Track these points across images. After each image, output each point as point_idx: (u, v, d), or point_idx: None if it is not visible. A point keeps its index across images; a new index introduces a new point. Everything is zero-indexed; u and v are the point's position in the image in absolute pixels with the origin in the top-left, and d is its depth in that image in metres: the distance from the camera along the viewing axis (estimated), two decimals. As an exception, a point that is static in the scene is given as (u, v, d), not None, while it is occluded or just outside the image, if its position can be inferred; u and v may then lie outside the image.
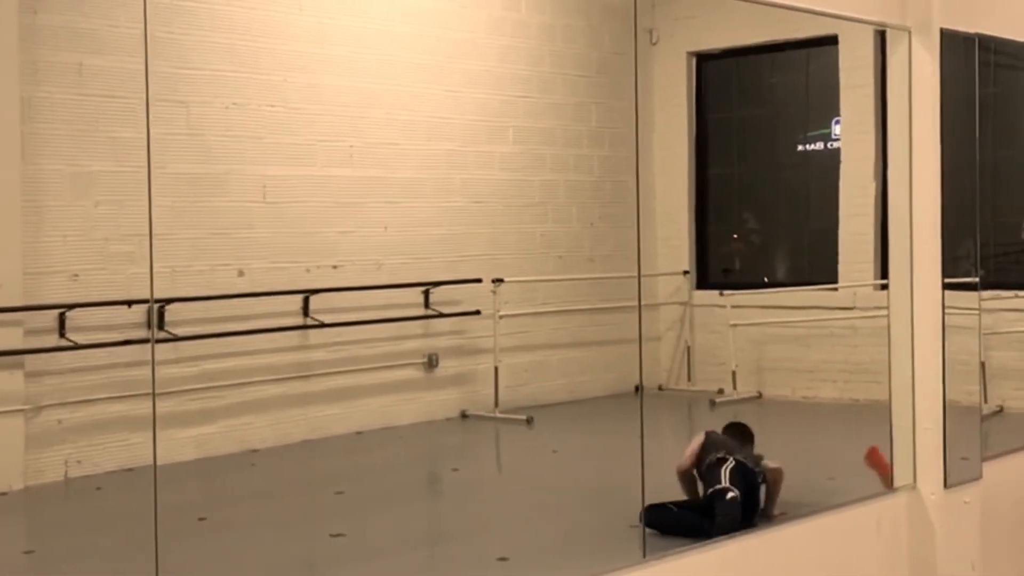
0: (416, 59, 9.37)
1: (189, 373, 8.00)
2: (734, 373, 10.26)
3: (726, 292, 10.54)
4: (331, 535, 6.19)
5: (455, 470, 8.41)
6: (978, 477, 5.71)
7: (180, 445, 7.81)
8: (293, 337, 8.57)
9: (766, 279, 11.33)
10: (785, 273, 11.45)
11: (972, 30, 5.71)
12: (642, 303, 9.64)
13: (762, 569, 5.01)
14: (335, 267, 8.84)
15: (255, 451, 8.24)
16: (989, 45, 6.05)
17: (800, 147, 11.10)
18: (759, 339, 10.56)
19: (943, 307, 5.56)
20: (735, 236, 11.73)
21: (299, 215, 8.65)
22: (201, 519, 6.57)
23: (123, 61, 7.44)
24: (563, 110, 10.50)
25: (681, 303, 11.03)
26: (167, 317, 7.82)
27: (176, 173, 7.83)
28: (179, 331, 7.86)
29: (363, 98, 9.01)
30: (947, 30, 5.54)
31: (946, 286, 5.58)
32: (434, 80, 9.50)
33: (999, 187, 9.19)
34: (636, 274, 9.80)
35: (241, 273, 8.32)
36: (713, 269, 11.27)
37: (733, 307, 10.46)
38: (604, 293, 10.46)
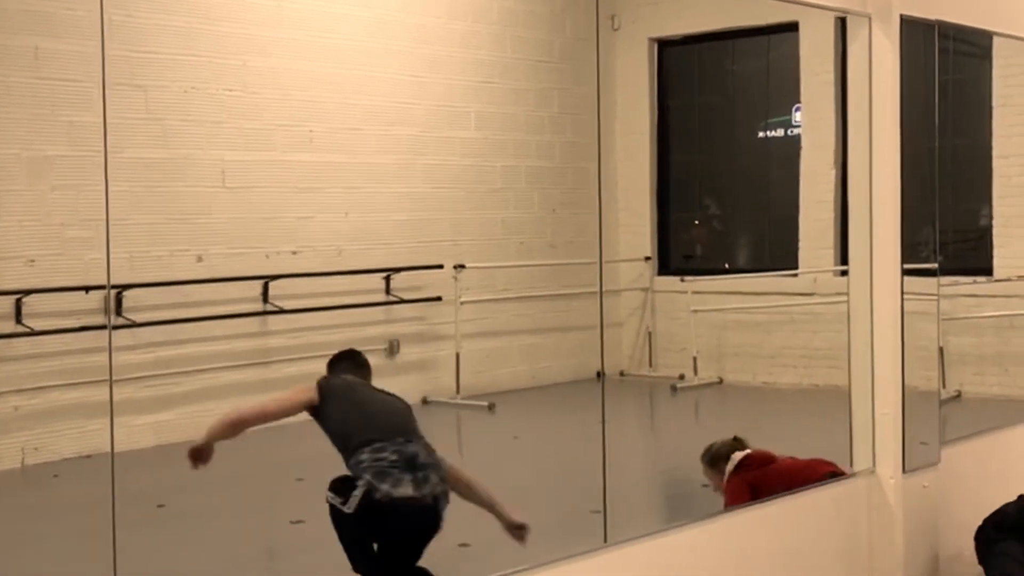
0: (377, 43, 9.32)
1: (147, 359, 7.93)
2: (695, 359, 10.29)
3: (687, 278, 10.57)
4: (291, 522, 6.15)
5: (416, 456, 8.38)
6: (936, 462, 5.75)
7: (138, 432, 7.75)
8: (252, 323, 8.52)
9: (727, 265, 11.37)
10: (746, 259, 11.50)
11: (932, 17, 5.73)
12: (603, 289, 9.65)
13: (722, 552, 5.02)
14: (295, 253, 8.79)
15: (214, 439, 8.17)
16: (949, 32, 6.08)
17: (761, 134, 11.14)
18: (720, 325, 10.60)
19: (902, 293, 5.58)
20: (696, 222, 11.76)
21: (259, 200, 8.59)
22: (160, 506, 6.53)
23: (80, 44, 7.34)
24: (525, 96, 10.47)
25: (642, 289, 11.05)
26: (125, 303, 7.75)
27: (134, 158, 7.75)
28: (137, 317, 7.79)
29: (323, 82, 8.95)
30: (907, 17, 5.56)
31: (905, 272, 5.60)
32: (395, 65, 9.45)
33: (958, 174, 9.27)
34: (597, 260, 9.81)
35: (200, 259, 8.26)
36: (674, 255, 11.29)
37: (694, 293, 10.49)
38: (566, 279, 10.46)
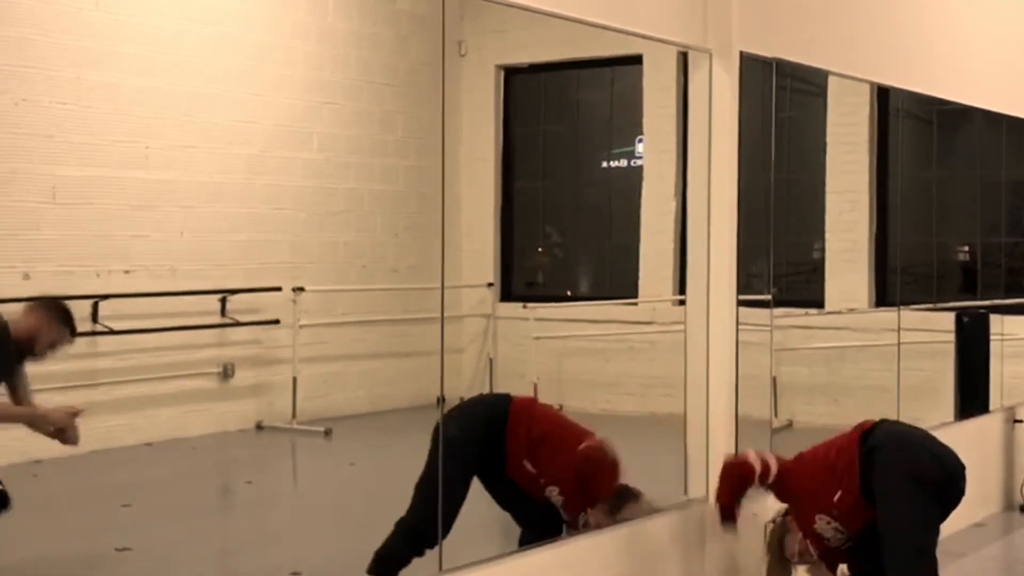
0: (218, 61, 9.14)
1: (-33, 380, 7.59)
2: (535, 385, 10.30)
3: (529, 305, 10.60)
4: (117, 549, 5.97)
5: (249, 483, 8.21)
6: (768, 490, 5.84)
7: (-46, 456, 7.41)
8: (80, 344, 8.16)
9: (569, 293, 11.45)
10: (587, 287, 11.60)
11: (770, 55, 5.87)
12: (445, 315, 9.60)
13: (557, 582, 5.02)
14: (127, 272, 8.53)
15: (38, 462, 7.85)
16: (787, 70, 6.22)
17: (604, 164, 11.26)
18: (561, 352, 10.65)
19: (737, 323, 5.68)
20: (539, 250, 11.82)
21: (90, 217, 8.32)
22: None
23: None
24: (370, 118, 10.39)
25: (484, 315, 11.05)
26: (-56, 321, 7.40)
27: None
28: (-43, 336, 7.45)
29: (161, 99, 8.73)
30: (747, 54, 5.68)
31: (740, 303, 5.70)
32: (236, 83, 9.28)
33: (792, 208, 9.50)
34: (439, 285, 9.76)
35: (27, 276, 7.95)
36: (517, 282, 11.33)
37: (536, 320, 10.53)
38: (407, 304, 10.39)
